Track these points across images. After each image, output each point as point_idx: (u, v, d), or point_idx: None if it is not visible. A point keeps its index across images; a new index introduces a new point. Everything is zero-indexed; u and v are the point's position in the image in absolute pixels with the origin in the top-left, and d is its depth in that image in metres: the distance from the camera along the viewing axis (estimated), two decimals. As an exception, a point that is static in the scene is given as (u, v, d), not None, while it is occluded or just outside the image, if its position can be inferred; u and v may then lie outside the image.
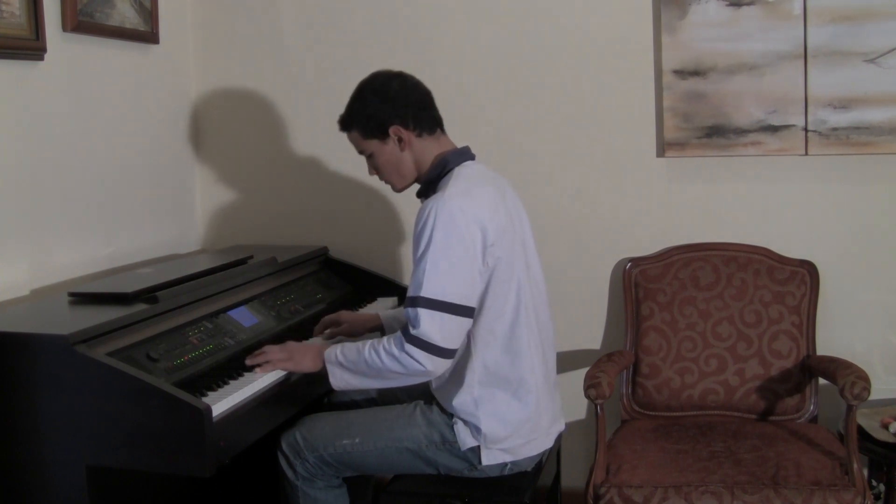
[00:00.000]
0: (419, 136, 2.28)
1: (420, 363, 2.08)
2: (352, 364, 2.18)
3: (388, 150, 2.29)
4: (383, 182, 2.38)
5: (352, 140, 2.35)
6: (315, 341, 2.52)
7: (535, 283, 2.32)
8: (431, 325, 2.07)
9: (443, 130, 2.34)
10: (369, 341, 2.18)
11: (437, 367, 2.11)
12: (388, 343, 2.13)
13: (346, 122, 2.34)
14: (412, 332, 2.08)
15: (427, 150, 2.29)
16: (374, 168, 2.35)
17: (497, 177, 2.34)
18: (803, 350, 2.82)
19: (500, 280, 2.18)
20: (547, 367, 2.33)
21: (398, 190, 2.38)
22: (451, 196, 2.13)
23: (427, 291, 2.08)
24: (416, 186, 2.36)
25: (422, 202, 2.23)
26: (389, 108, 2.26)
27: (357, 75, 2.34)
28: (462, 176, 2.22)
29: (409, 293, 2.12)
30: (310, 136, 3.30)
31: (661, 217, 3.04)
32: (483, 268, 2.15)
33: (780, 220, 2.96)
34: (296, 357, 2.27)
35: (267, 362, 2.24)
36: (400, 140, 2.27)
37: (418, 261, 2.12)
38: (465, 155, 2.31)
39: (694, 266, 2.93)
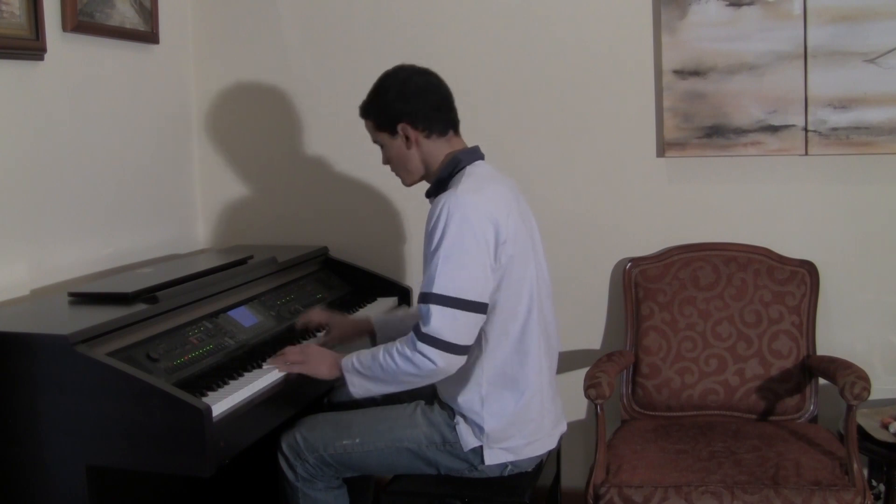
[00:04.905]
0: (427, 136, 2.26)
1: (432, 361, 2.07)
2: (367, 370, 2.17)
3: (396, 144, 2.29)
4: (394, 174, 2.37)
5: (367, 128, 2.35)
6: (313, 342, 2.51)
7: (545, 285, 2.32)
8: (443, 321, 2.06)
9: (456, 132, 2.33)
10: (384, 345, 2.17)
11: (449, 364, 2.09)
12: (400, 345, 2.11)
13: (365, 110, 2.33)
14: (423, 329, 2.07)
15: (436, 150, 2.28)
16: (386, 159, 2.35)
17: (507, 178, 2.33)
18: (803, 350, 2.82)
19: (513, 280, 2.17)
20: (551, 369, 2.33)
21: (406, 184, 2.37)
22: (463, 192, 2.12)
23: (439, 288, 2.07)
24: (425, 186, 2.35)
25: (430, 202, 2.22)
26: (403, 104, 2.25)
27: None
28: (474, 175, 2.21)
29: (422, 289, 2.11)
30: (310, 135, 3.30)
31: (661, 217, 3.04)
32: (495, 265, 2.14)
33: (780, 220, 2.96)
34: (311, 361, 2.26)
35: (283, 362, 2.25)
36: (407, 139, 2.26)
37: (430, 257, 2.11)
38: (475, 154, 2.30)
39: (694, 266, 2.93)
